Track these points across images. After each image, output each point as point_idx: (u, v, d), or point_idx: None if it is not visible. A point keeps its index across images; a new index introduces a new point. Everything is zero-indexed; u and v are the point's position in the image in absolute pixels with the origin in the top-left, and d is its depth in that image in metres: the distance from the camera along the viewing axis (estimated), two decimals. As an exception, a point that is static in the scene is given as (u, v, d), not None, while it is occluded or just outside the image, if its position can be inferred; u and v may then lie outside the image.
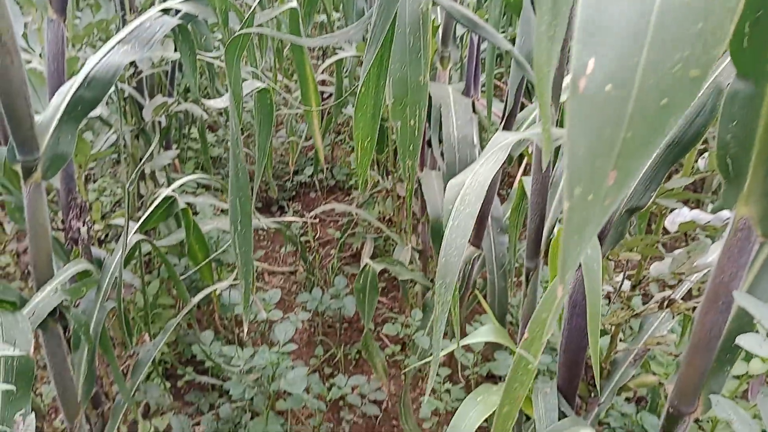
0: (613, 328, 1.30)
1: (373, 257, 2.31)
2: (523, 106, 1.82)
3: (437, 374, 1.75)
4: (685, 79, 0.21)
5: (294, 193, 3.08)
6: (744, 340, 0.79)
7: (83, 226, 1.22)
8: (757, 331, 0.82)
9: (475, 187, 0.78)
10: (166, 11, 1.08)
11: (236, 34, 0.97)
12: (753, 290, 0.87)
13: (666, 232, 1.23)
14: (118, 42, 0.99)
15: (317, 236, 2.76)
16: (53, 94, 1.02)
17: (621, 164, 0.22)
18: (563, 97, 1.28)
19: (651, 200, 1.01)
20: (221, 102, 1.07)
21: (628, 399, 1.47)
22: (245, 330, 0.96)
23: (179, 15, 1.20)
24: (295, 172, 3.10)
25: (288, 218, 2.53)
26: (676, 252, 1.14)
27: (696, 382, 0.94)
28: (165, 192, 1.39)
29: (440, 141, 1.77)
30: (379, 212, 2.53)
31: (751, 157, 0.75)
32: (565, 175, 0.22)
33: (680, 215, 1.07)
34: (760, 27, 0.54)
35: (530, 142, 1.36)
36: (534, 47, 0.61)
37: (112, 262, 1.22)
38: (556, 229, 1.27)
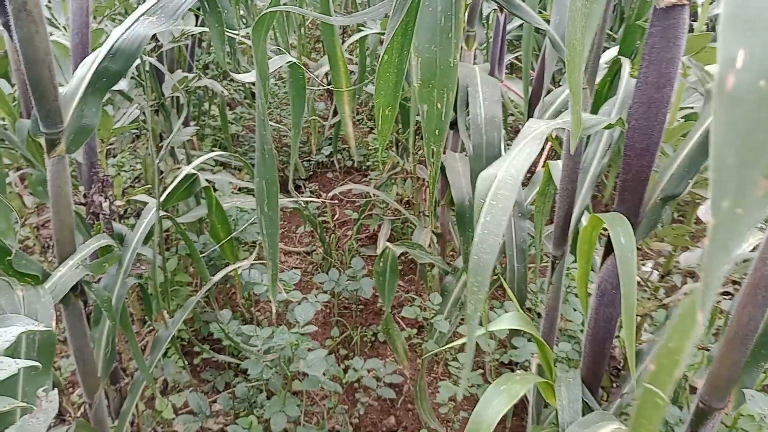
0: (639, 318, 1.27)
1: (390, 239, 2.29)
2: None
3: (455, 359, 1.74)
4: None
5: (311, 172, 3.06)
6: (785, 336, 0.77)
7: (105, 200, 1.21)
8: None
9: (509, 181, 0.75)
10: (191, -17, 1.06)
11: (263, 12, 0.94)
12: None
13: (697, 222, 1.20)
14: (144, 13, 0.96)
15: (336, 217, 2.75)
16: (77, 67, 1.00)
17: (773, 172, 0.19)
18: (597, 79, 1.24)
19: (687, 189, 0.98)
20: (250, 76, 1.04)
21: (650, 390, 1.45)
22: (273, 311, 0.94)
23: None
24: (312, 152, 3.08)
25: (306, 198, 2.51)
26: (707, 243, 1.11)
27: (729, 377, 0.92)
28: (186, 170, 1.37)
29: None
30: (397, 194, 2.51)
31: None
32: (711, 187, 0.20)
33: (717, 205, 1.04)
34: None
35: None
36: (567, 24, 0.57)
37: (133, 237, 1.21)
38: (584, 219, 1.23)
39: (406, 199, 2.50)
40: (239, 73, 2.01)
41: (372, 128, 3.07)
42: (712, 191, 0.20)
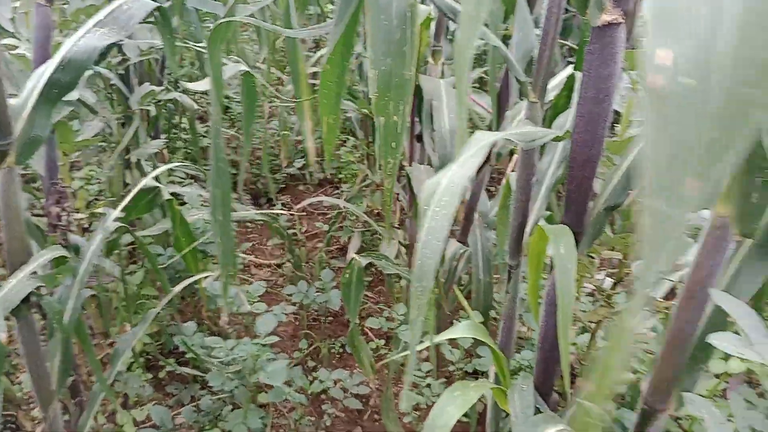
0: (594, 325, 1.29)
1: (360, 251, 2.30)
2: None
3: (419, 369, 1.75)
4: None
5: (284, 185, 3.07)
6: (715, 339, 0.79)
7: (62, 211, 1.21)
8: (737, 332, 0.81)
9: (451, 188, 0.77)
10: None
11: (218, 22, 0.95)
12: (730, 289, 0.86)
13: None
14: (95, 24, 0.97)
15: (305, 230, 2.75)
16: (37, 79, 1.01)
17: (702, 171, 0.19)
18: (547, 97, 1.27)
19: (628, 199, 1.00)
20: (203, 85, 1.06)
21: (607, 397, 1.47)
22: (225, 320, 0.95)
23: (160, -1, 1.18)
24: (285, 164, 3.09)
25: (276, 210, 2.52)
26: (657, 250, 1.14)
27: (670, 380, 0.94)
28: (145, 181, 1.37)
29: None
30: (367, 206, 2.53)
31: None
32: (646, 188, 0.20)
33: (660, 213, 1.07)
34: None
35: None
36: (457, 28, 0.58)
37: (89, 248, 1.21)
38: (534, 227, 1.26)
39: (377, 211, 2.52)
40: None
41: (344, 141, 3.09)
42: (649, 192, 0.20)
